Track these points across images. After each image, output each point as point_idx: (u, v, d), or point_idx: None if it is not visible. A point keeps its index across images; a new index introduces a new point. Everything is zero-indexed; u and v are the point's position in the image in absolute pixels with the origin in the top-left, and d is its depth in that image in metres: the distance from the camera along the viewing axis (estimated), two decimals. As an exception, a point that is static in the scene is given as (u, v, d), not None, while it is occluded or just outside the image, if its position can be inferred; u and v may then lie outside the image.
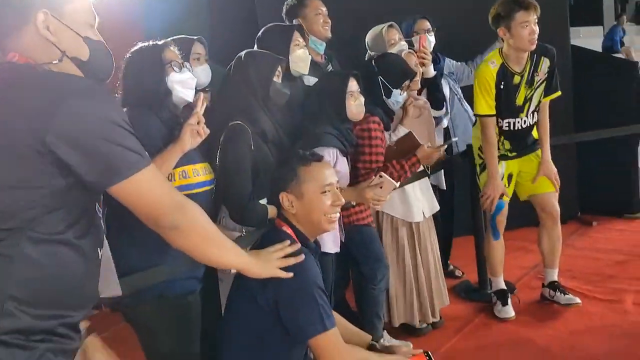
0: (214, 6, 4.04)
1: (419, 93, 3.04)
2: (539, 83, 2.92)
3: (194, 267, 1.86)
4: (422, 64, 3.02)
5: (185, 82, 1.88)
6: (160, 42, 1.89)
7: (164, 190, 1.22)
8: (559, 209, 3.07)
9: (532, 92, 2.93)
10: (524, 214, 3.43)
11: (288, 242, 1.60)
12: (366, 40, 3.08)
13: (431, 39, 3.18)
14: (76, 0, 1.19)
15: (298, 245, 1.62)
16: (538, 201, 3.08)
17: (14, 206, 1.08)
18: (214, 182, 2.00)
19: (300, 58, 2.38)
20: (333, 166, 2.29)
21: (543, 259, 3.18)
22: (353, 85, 2.37)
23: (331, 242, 2.35)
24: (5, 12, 1.13)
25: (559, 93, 2.99)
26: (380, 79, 2.61)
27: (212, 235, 1.32)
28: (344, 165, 2.39)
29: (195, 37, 2.35)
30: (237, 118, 2.06)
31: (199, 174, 1.93)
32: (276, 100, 2.17)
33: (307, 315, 1.53)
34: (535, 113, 2.98)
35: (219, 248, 1.35)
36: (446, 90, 3.30)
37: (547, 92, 2.95)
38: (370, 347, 1.83)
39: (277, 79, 2.16)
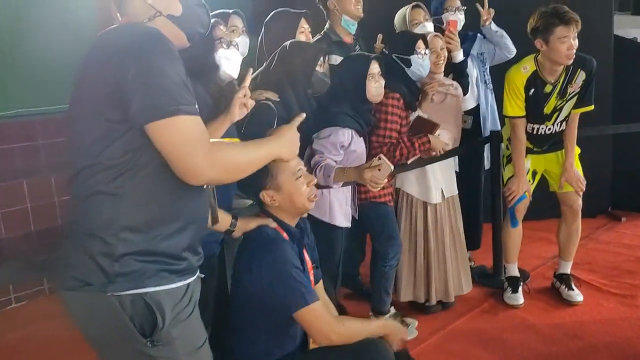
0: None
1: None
2: (571, 95, 2.85)
3: (215, 232, 1.96)
4: (449, 50, 3.05)
5: (232, 59, 2.01)
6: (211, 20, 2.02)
7: (200, 140, 1.27)
8: (581, 204, 3.06)
9: (564, 103, 2.87)
10: (552, 205, 3.42)
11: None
12: (394, 21, 3.14)
13: (461, 17, 3.15)
14: None
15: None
16: (560, 196, 3.09)
17: (116, 147, 1.26)
18: None
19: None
20: (348, 146, 2.40)
21: (559, 250, 3.20)
22: (374, 67, 2.44)
23: (342, 217, 2.46)
24: None
25: (591, 107, 2.90)
26: (394, 56, 2.66)
27: (241, 162, 1.39)
28: (360, 145, 2.48)
29: (231, 11, 2.42)
30: (273, 102, 2.18)
31: None
32: (318, 88, 2.30)
33: (288, 293, 1.67)
34: (564, 122, 2.93)
35: (251, 164, 1.42)
36: (473, 73, 3.27)
37: (578, 105, 2.88)
38: None
39: (320, 68, 2.29)
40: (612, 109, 4.33)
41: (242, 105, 1.87)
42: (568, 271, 3.16)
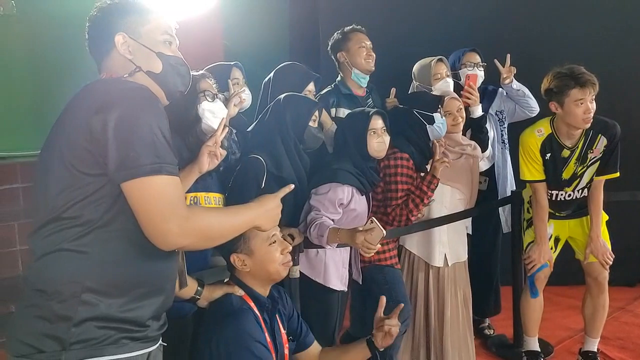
0: (293, 25, 4.12)
1: (463, 134, 2.93)
2: (592, 160, 2.64)
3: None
4: (468, 104, 2.92)
5: (216, 112, 1.94)
6: (197, 73, 1.97)
7: (177, 204, 1.20)
8: (607, 276, 2.80)
9: (584, 169, 2.66)
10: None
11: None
12: (413, 70, 3.03)
13: (480, 73, 3.04)
14: (152, 21, 1.38)
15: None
16: (585, 266, 2.84)
17: (89, 202, 1.20)
18: None
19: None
20: (347, 205, 2.27)
21: (584, 325, 2.93)
22: (377, 123, 2.34)
23: (337, 279, 2.31)
24: (99, 41, 1.38)
25: (616, 174, 2.67)
26: (416, 112, 2.55)
27: (217, 230, 1.31)
28: (361, 204, 2.34)
29: (233, 63, 2.44)
30: (263, 157, 2.11)
31: (210, 202, 1.96)
32: (310, 144, 2.23)
33: None
34: (586, 189, 2.71)
35: (226, 233, 1.34)
36: (490, 132, 3.09)
37: (601, 171, 2.66)
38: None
39: (313, 123, 2.22)
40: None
41: (212, 155, 1.79)
42: (595, 349, 2.89)
